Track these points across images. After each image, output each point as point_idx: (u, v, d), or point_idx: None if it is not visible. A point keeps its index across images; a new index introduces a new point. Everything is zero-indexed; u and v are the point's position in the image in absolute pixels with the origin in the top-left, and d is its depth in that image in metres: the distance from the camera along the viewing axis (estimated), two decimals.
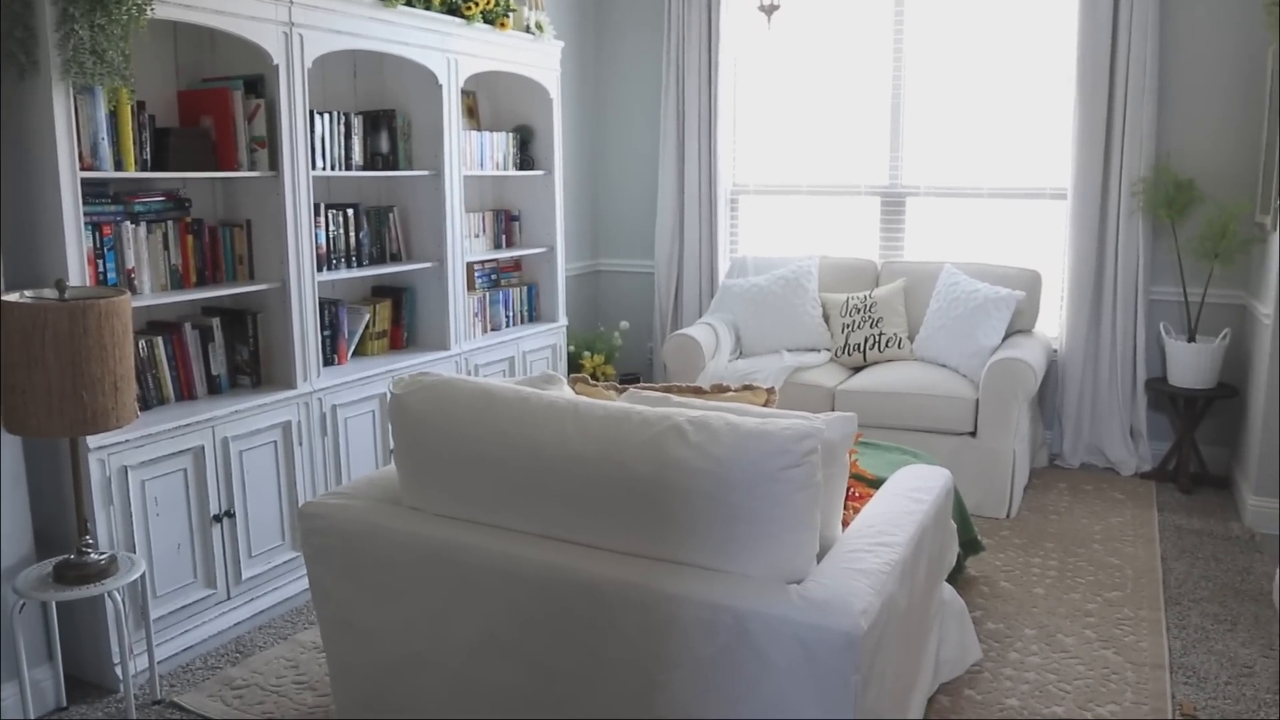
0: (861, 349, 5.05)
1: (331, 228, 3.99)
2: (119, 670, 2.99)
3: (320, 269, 3.88)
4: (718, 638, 2.05)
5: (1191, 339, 4.79)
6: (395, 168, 4.24)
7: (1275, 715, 2.90)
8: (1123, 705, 2.94)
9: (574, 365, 5.58)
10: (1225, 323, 4.93)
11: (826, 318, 5.22)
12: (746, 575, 2.12)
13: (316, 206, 3.85)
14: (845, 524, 2.53)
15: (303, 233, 3.63)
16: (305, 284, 3.66)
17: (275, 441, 3.56)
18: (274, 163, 3.53)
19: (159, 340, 3.34)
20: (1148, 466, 5.10)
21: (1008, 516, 4.46)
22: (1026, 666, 3.17)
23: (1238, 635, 3.38)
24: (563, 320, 5.25)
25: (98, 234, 3.12)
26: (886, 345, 5.03)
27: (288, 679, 3.12)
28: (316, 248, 3.80)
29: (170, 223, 3.38)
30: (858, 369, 5.07)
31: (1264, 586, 3.76)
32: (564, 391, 2.63)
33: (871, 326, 5.05)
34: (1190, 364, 4.72)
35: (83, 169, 2.94)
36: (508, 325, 4.99)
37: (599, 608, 2.17)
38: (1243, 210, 4.65)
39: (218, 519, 3.34)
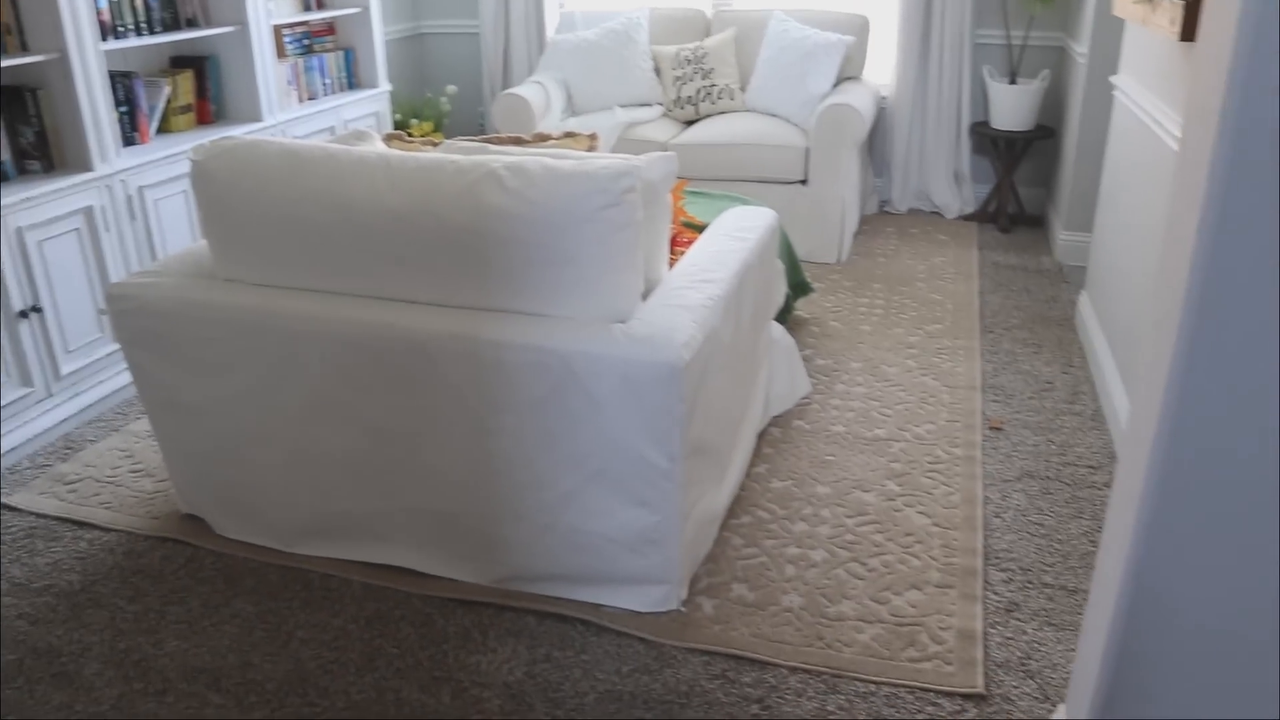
0: (694, 101, 4.99)
1: None
2: None
3: (105, 38, 3.53)
4: (546, 380, 2.08)
5: (1013, 81, 4.90)
6: None
7: (1068, 423, 3.17)
8: (938, 424, 3.17)
9: None
10: (1045, 64, 5.05)
11: (658, 71, 5.10)
12: (571, 318, 2.13)
13: None
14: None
15: None
16: (89, 55, 3.33)
17: (78, 229, 3.32)
18: None
19: None
20: (971, 209, 5.31)
21: (838, 261, 4.60)
22: (852, 396, 3.35)
23: (1042, 356, 3.65)
24: (385, 86, 4.97)
25: None
26: (719, 97, 4.97)
27: (123, 469, 3.05)
28: (97, 14, 3.44)
29: None
30: (691, 122, 5.03)
31: (1068, 312, 4.04)
32: (376, 147, 2.51)
33: (703, 78, 4.97)
34: (1011, 106, 4.84)
35: None
36: (326, 94, 4.70)
37: (426, 362, 2.16)
38: None
39: (24, 315, 3.14)
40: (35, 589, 2.49)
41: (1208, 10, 1.32)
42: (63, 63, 3.28)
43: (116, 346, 3.46)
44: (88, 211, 3.35)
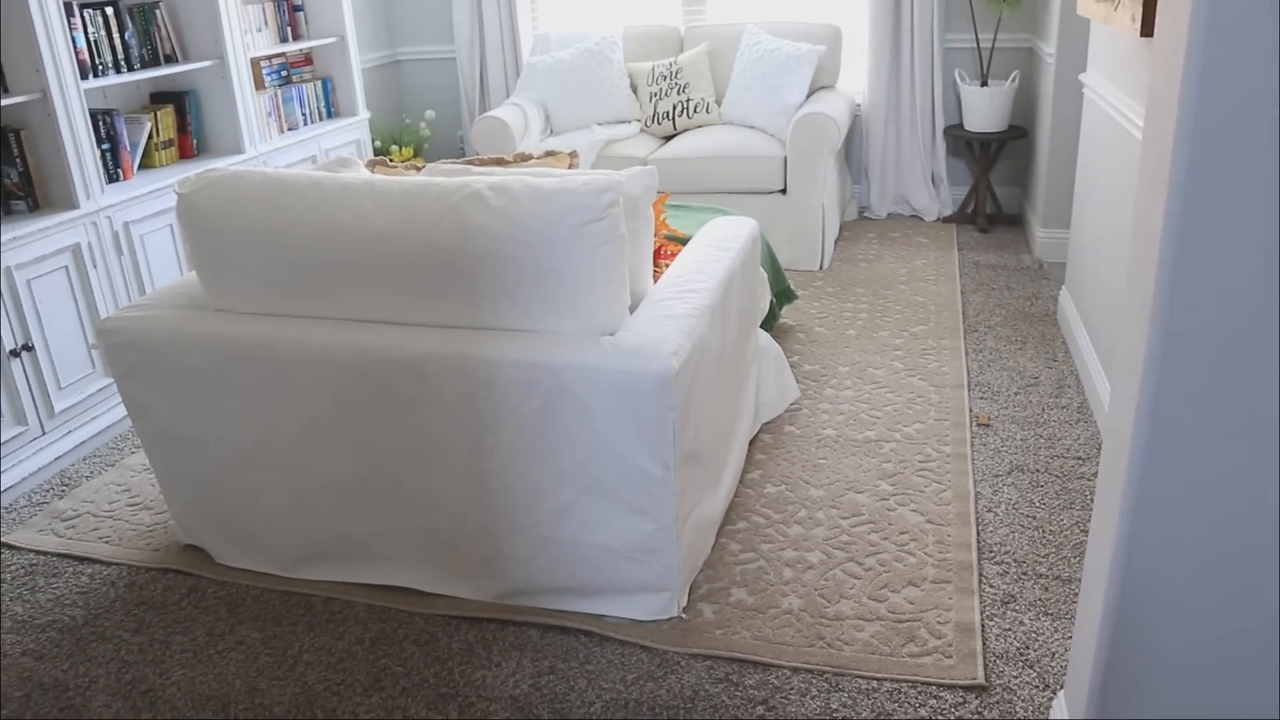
0: (671, 116, 5.04)
1: (90, 29, 3.64)
2: None
3: (85, 76, 3.56)
4: (538, 394, 2.11)
5: (984, 83, 4.96)
6: None
7: (1055, 416, 3.22)
8: (927, 423, 3.20)
9: None
10: (1014, 66, 5.12)
11: (634, 88, 5.16)
12: (560, 332, 2.16)
13: (68, 6, 3.48)
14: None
15: (56, 36, 3.30)
16: (70, 93, 3.36)
17: (66, 266, 3.35)
18: None
19: None
20: (949, 211, 5.37)
21: (821, 268, 4.65)
22: (841, 400, 3.39)
23: (1026, 352, 3.69)
24: (364, 113, 5.02)
25: None
26: (695, 111, 5.03)
27: (120, 503, 3.06)
28: (76, 53, 3.48)
29: None
30: (669, 137, 5.08)
31: (1049, 308, 4.09)
32: (360, 173, 2.54)
33: (679, 93, 5.03)
34: (984, 108, 4.91)
35: None
36: (306, 123, 4.74)
37: (419, 382, 2.19)
38: None
39: (15, 354, 3.16)
40: (38, 625, 2.50)
41: (1163, 6, 1.37)
42: (44, 103, 3.31)
43: (109, 382, 3.48)
44: (75, 249, 3.37)
